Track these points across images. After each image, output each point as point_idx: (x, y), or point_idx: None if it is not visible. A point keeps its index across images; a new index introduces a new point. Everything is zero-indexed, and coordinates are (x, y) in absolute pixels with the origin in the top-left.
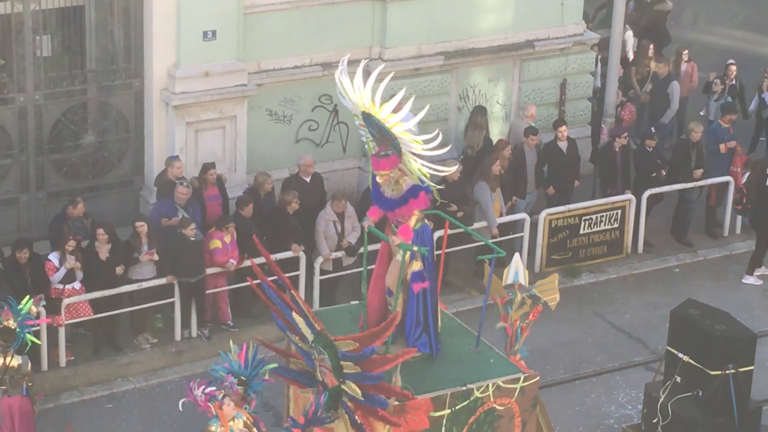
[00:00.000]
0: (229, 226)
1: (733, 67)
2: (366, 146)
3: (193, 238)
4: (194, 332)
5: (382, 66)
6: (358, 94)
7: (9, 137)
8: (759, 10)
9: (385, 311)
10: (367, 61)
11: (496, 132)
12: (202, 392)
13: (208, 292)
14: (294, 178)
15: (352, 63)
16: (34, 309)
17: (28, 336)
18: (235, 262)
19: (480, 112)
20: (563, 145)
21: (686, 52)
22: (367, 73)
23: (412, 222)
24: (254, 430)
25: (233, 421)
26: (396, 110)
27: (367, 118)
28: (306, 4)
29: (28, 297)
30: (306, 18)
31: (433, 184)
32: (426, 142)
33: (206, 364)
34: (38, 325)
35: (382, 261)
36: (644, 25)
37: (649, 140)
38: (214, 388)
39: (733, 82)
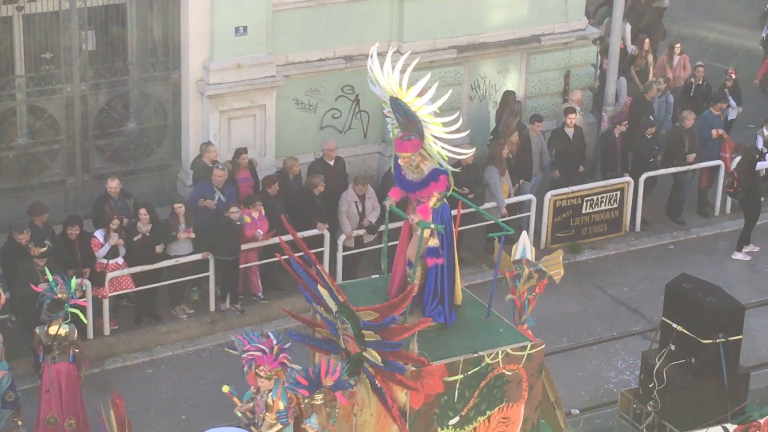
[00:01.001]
0: (256, 204)
1: (701, 69)
2: (391, 133)
3: (239, 222)
4: (228, 304)
5: (408, 54)
6: (387, 78)
7: (57, 124)
8: (748, 6)
9: (406, 282)
10: (394, 50)
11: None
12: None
13: (240, 266)
14: (318, 162)
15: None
16: (79, 292)
17: (71, 310)
18: (262, 232)
19: (512, 96)
20: (570, 131)
21: (678, 45)
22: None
23: (432, 202)
24: (274, 415)
25: (267, 394)
26: (421, 94)
27: (395, 102)
28: (330, 2)
29: (74, 278)
30: (330, 14)
31: (451, 167)
32: (446, 124)
33: (239, 333)
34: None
35: (405, 236)
36: (641, 20)
37: (649, 128)
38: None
39: (700, 82)
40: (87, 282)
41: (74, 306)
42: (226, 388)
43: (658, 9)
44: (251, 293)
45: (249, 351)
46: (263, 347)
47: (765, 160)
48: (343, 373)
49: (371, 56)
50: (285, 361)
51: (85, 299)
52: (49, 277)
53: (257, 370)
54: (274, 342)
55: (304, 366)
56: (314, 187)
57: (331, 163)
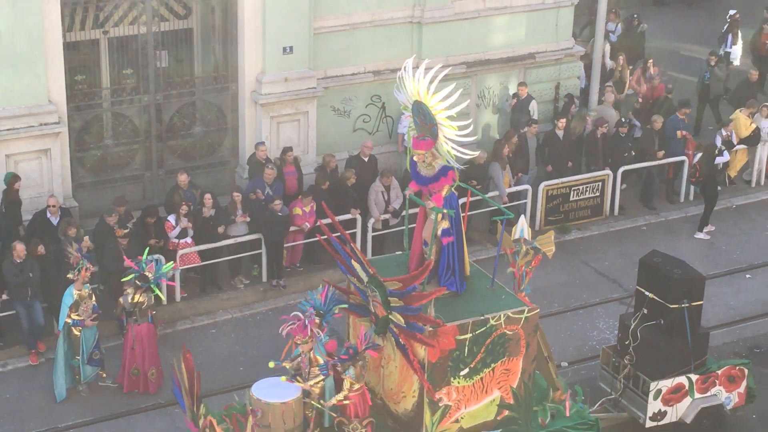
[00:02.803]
0: (308, 199)
1: (609, 89)
2: (406, 135)
3: (280, 213)
4: (276, 280)
5: (439, 66)
6: (417, 83)
7: (136, 128)
8: (703, 26)
9: (423, 258)
10: (426, 61)
11: (503, 122)
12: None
13: (288, 245)
14: (354, 158)
15: (397, 71)
16: (170, 273)
17: (155, 289)
18: (309, 225)
19: (575, 104)
20: (560, 133)
21: (651, 61)
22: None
23: (443, 192)
24: (317, 369)
25: (310, 352)
26: (443, 99)
27: (417, 106)
28: (361, 26)
29: (171, 262)
30: (360, 37)
31: (459, 165)
32: (460, 128)
33: (286, 299)
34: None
35: (420, 220)
36: (628, 42)
37: (621, 128)
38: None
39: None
40: (161, 257)
41: (159, 285)
42: (272, 364)
43: (639, 33)
44: (291, 263)
45: (287, 326)
46: (297, 320)
47: (722, 156)
48: (371, 338)
49: (404, 67)
50: (312, 327)
51: (173, 280)
52: (144, 257)
53: (295, 340)
54: (306, 313)
55: (331, 333)
56: (347, 179)
57: (366, 159)
